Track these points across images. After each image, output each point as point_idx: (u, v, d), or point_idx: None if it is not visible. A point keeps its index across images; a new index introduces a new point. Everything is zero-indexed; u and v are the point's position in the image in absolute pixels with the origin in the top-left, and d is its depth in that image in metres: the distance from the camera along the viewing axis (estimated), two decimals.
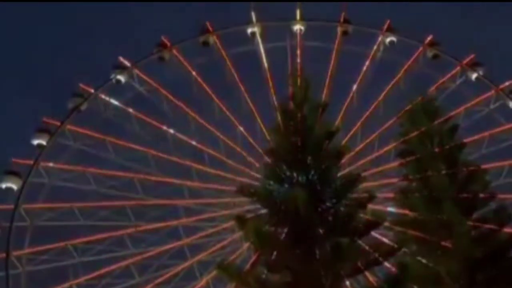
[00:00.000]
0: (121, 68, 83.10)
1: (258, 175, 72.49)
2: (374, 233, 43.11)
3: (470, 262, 44.34)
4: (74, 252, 74.38)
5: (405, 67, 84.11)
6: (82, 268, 74.43)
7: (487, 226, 46.65)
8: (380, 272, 42.91)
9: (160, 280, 75.25)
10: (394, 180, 69.80)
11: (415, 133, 50.21)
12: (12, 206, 72.54)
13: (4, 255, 70.20)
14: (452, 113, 63.28)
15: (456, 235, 44.80)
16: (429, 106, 51.58)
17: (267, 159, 43.88)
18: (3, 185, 73.66)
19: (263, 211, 41.83)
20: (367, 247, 39.65)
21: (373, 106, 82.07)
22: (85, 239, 75.14)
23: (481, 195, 48.33)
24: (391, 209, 63.88)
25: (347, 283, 41.20)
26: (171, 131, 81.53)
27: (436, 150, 49.40)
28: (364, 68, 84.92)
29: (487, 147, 77.83)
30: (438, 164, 48.58)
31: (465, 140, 52.61)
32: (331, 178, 40.80)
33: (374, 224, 40.68)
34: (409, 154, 50.65)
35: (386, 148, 78.07)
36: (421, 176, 48.45)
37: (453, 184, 47.73)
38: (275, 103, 77.74)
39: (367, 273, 41.70)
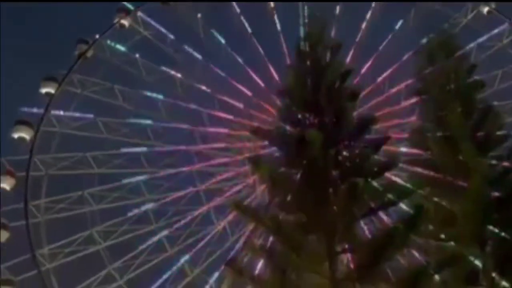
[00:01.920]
0: (125, 12, 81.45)
1: (271, 120, 72.16)
2: (388, 174, 42.67)
3: (485, 202, 43.53)
4: (91, 200, 74.58)
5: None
6: (100, 216, 74.86)
7: (503, 165, 46.43)
8: (394, 213, 42.64)
9: (177, 225, 75.53)
10: (408, 119, 69.95)
11: (430, 71, 48.85)
12: (26, 157, 72.34)
13: (22, 204, 70.38)
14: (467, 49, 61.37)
15: (472, 175, 43.96)
16: (447, 43, 49.81)
17: (281, 101, 43.53)
18: (16, 135, 73.13)
19: (277, 154, 41.60)
20: (381, 188, 39.55)
21: (383, 43, 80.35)
22: (101, 187, 75.42)
23: (497, 134, 47.83)
24: (404, 149, 63.21)
25: (361, 224, 41.58)
26: (179, 75, 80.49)
27: (452, 88, 48.14)
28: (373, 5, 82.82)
29: (500, 84, 76.72)
30: (454, 103, 47.47)
31: (478, 77, 50.80)
32: (345, 119, 40.30)
33: (389, 165, 40.51)
34: (424, 92, 49.56)
35: (399, 87, 76.91)
36: (436, 115, 47.45)
37: (469, 123, 46.70)
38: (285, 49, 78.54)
39: (381, 214, 41.43)
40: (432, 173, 46.13)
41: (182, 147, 78.22)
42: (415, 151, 51.45)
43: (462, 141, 45.26)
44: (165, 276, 73.22)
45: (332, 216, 37.79)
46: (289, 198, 39.10)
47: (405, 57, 76.76)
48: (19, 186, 71.46)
